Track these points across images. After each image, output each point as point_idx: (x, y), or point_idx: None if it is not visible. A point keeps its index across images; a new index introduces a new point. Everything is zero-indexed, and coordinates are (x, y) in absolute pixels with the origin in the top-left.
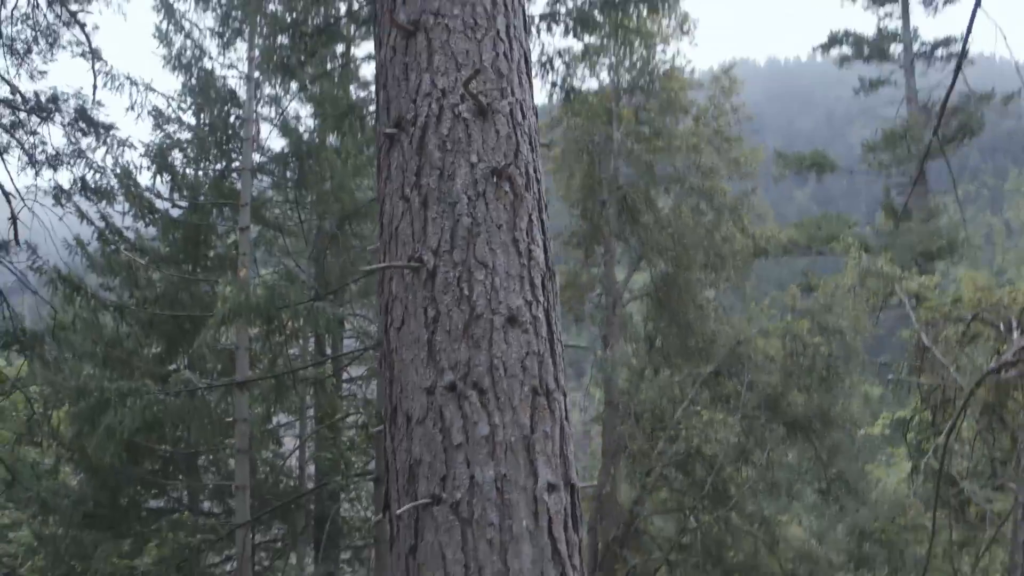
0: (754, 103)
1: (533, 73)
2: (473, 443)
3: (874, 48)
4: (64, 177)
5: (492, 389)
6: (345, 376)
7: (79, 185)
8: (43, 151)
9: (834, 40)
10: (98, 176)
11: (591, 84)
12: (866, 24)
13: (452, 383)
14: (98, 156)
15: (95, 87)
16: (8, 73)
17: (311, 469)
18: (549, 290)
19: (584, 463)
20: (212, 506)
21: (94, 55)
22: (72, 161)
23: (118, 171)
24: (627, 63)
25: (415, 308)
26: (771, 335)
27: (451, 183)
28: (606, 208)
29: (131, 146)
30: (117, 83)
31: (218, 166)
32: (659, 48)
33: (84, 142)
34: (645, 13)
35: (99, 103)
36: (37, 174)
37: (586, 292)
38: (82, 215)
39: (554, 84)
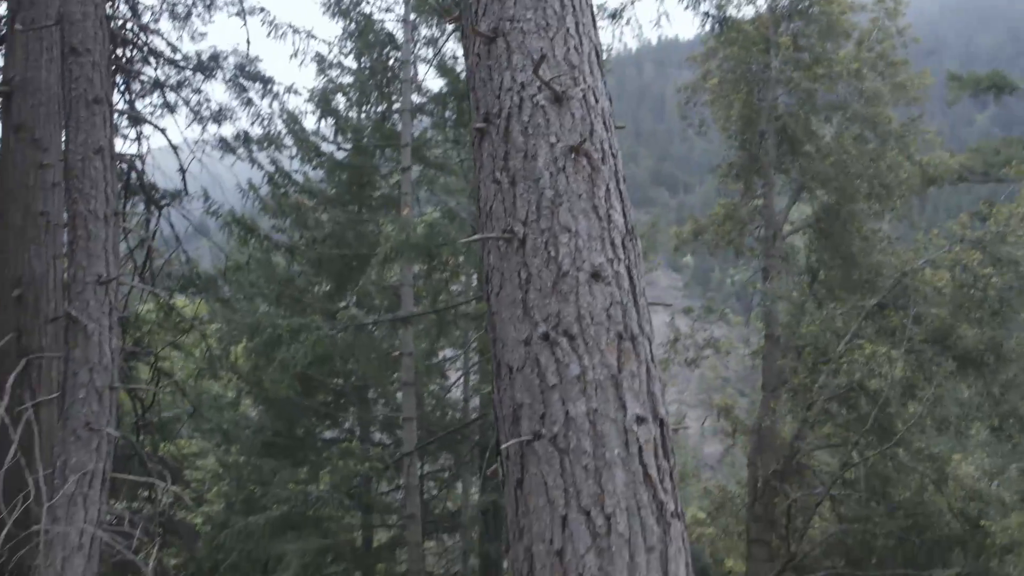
0: (929, 21)
1: (683, 12)
2: (566, 383)
3: None
4: (229, 129)
5: (581, 335)
6: None
7: (242, 138)
8: (207, 107)
9: None
10: (266, 122)
11: (747, 12)
12: None
13: (545, 333)
14: (264, 104)
15: (248, 43)
16: (171, 36)
17: (475, 401)
18: (630, 249)
19: (752, 399)
20: (382, 437)
21: (246, 14)
22: (233, 115)
23: (284, 116)
24: None
25: (510, 273)
26: (939, 266)
27: (534, 162)
28: (765, 139)
29: (296, 92)
30: (280, 32)
31: (379, 108)
32: None
33: (247, 95)
34: None
35: (257, 58)
36: (203, 129)
37: (746, 225)
38: (252, 160)
39: (707, 14)
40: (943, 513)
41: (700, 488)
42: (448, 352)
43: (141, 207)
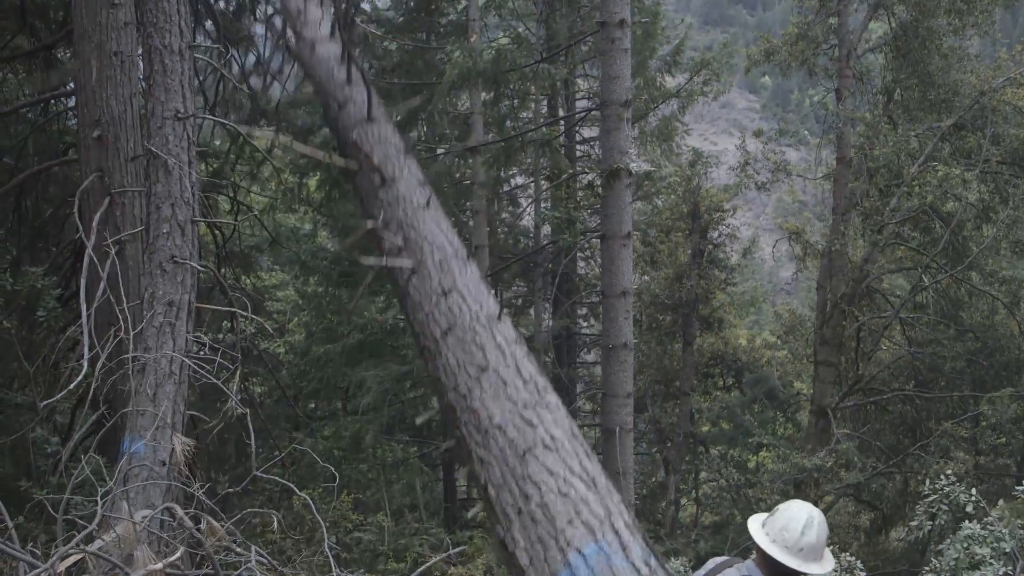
0: None
1: None
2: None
3: None
4: None
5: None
6: (579, 138)
7: None
8: None
9: None
10: None
11: None
12: None
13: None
14: None
15: None
16: None
17: (547, 229)
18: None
19: (827, 223)
20: None
21: None
22: None
23: None
24: None
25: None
26: (1021, 84)
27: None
28: None
29: None
30: None
31: None
32: None
33: None
34: None
35: None
36: None
37: (820, 44)
38: None
39: None
40: (1014, 336)
41: (771, 312)
42: (520, 180)
43: (209, 41)
